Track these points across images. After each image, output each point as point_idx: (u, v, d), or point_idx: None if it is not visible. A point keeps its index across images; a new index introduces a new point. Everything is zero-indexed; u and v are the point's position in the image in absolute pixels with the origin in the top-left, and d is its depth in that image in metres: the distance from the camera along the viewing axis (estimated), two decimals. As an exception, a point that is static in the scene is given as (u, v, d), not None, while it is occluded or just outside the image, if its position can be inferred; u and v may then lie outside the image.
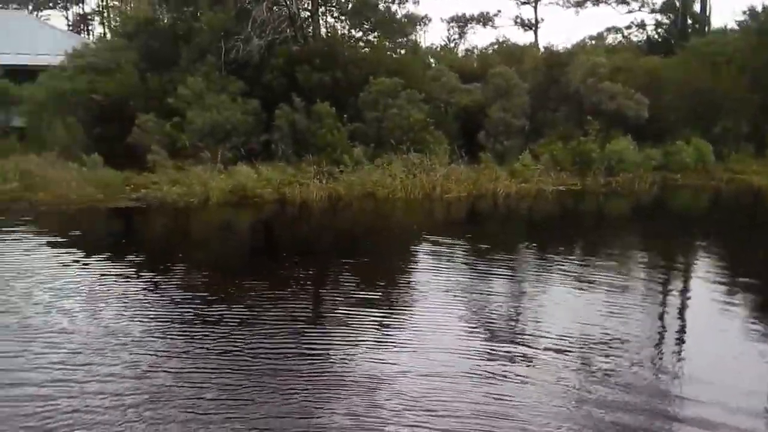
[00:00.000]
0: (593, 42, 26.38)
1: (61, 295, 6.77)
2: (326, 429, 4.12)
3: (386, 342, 5.73)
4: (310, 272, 8.29)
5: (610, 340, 5.69)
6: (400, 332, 5.98)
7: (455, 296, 7.11)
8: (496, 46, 24.96)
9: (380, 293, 7.20)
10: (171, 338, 5.63)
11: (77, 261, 8.34)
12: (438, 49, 30.05)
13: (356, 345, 5.52)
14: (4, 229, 10.14)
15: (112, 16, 45.33)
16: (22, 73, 20.76)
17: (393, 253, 9.81)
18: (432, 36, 76.38)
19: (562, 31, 64.26)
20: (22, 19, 29.97)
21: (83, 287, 7.14)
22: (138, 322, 5.97)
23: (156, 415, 4.21)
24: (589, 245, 10.27)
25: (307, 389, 4.62)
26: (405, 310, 6.71)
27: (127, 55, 16.38)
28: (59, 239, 9.78)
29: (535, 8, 31.79)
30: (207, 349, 5.34)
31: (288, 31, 16.54)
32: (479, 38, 76.07)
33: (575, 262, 8.87)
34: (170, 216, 11.82)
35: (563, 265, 8.49)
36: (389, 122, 15.05)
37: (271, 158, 14.50)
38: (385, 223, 12.16)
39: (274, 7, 16.30)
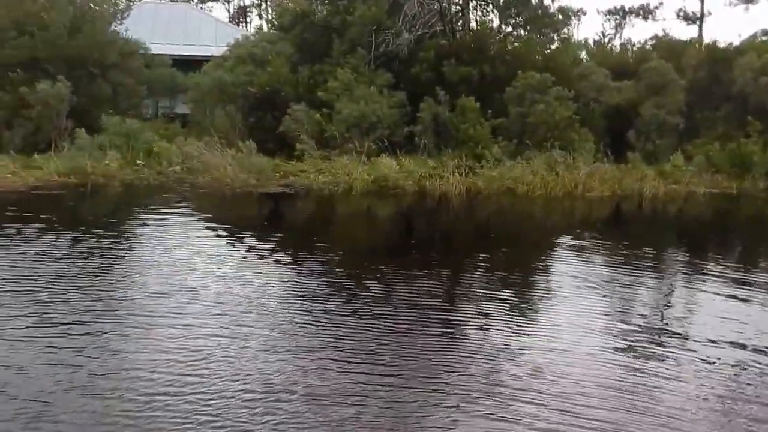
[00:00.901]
0: (766, 38, 24.40)
1: (216, 264, 7.58)
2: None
3: (519, 335, 5.86)
4: (447, 260, 8.60)
5: None
6: (536, 328, 6.09)
7: (596, 293, 7.11)
8: (654, 41, 23.80)
9: (516, 286, 7.36)
10: (311, 309, 6.13)
11: (230, 236, 9.22)
12: (591, 43, 29.18)
13: (489, 338, 5.68)
14: (168, 206, 11.28)
15: (269, 8, 48.23)
16: (188, 63, 22.73)
17: (531, 247, 9.93)
18: (586, 29, 73.92)
19: (730, 25, 59.74)
20: (188, 11, 32.48)
21: (234, 259, 7.97)
22: (280, 291, 6.71)
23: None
24: (745, 251, 9.81)
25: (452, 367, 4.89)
26: (541, 305, 6.84)
27: (282, 47, 17.45)
28: (215, 218, 10.82)
29: (702, 0, 30.02)
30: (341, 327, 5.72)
31: (438, 25, 16.85)
32: (637, 32, 72.37)
33: (730, 266, 8.52)
34: (315, 202, 12.58)
35: (715, 269, 8.19)
36: (534, 118, 15.00)
37: (414, 151, 14.95)
38: (523, 218, 12.27)
39: (425, 2, 16.66)
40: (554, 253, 9.46)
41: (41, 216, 10.03)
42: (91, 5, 17.53)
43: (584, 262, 8.70)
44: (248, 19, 51.11)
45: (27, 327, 5.50)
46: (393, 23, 16.40)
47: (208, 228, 9.88)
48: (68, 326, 5.53)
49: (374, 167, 13.70)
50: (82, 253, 7.95)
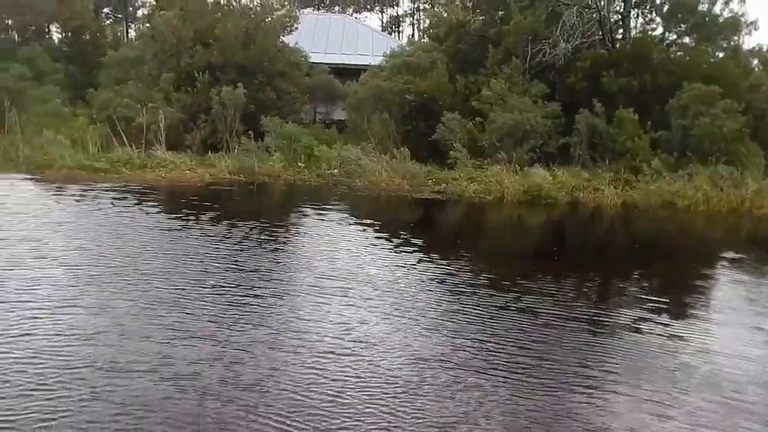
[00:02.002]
0: None
1: (373, 254, 8.33)
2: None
3: (666, 336, 6.01)
4: (599, 267, 8.79)
5: None
6: (686, 331, 6.21)
7: (754, 306, 7.05)
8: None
9: (669, 294, 7.43)
10: (461, 300, 6.65)
11: (386, 233, 9.92)
12: (765, 51, 27.37)
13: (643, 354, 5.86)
14: (325, 206, 12.21)
15: (421, 18, 49.54)
16: (345, 72, 24.09)
17: (688, 260, 9.82)
18: (759, 36, 68.92)
19: None
20: (347, 22, 34.16)
21: (391, 252, 8.66)
22: (431, 282, 7.30)
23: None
24: None
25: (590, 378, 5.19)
26: (694, 312, 6.89)
27: (438, 56, 18.12)
28: (372, 217, 11.62)
29: None
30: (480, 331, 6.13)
31: (596, 34, 16.80)
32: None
33: None
34: (466, 209, 13.06)
35: None
36: (698, 131, 14.56)
37: (567, 162, 15.02)
38: (682, 232, 12.04)
39: (584, 11, 16.68)
40: (713, 266, 9.36)
41: (216, 207, 11.40)
42: (263, 19, 19.10)
43: (745, 275, 8.58)
44: (400, 29, 52.82)
45: (207, 296, 6.47)
46: (550, 33, 16.56)
47: (366, 225, 10.68)
48: (244, 298, 6.53)
49: (527, 177, 13.95)
50: (253, 239, 9.05)
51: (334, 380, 4.80)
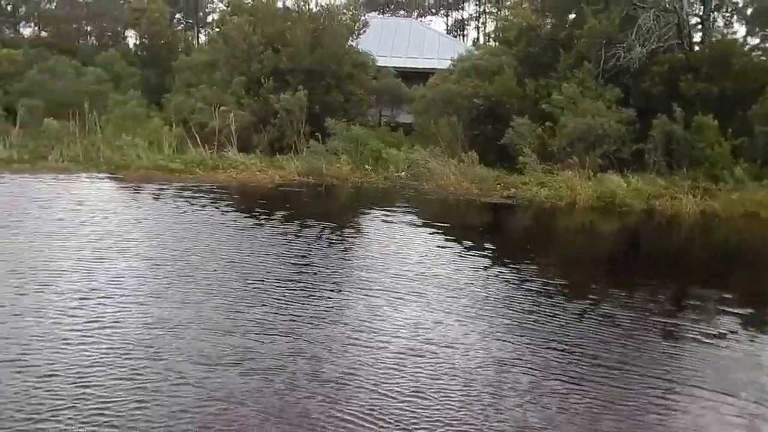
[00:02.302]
0: None
1: (433, 265, 8.22)
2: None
3: (755, 364, 5.80)
4: (678, 282, 8.51)
5: None
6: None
7: None
8: None
9: (755, 315, 7.16)
10: (535, 302, 6.62)
11: (450, 240, 9.85)
12: None
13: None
14: (393, 208, 12.28)
15: (487, 21, 49.35)
16: (411, 75, 24.20)
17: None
18: None
19: None
20: (413, 25, 34.27)
21: (453, 261, 8.55)
22: (502, 286, 7.31)
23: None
24: None
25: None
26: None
27: (507, 60, 18.01)
28: (437, 222, 11.60)
29: None
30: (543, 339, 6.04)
31: (673, 38, 16.39)
32: None
33: None
34: (537, 214, 12.94)
35: None
36: (785, 138, 14.03)
37: (641, 169, 14.68)
38: (767, 245, 11.57)
39: (662, 15, 16.30)
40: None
41: (287, 207, 11.71)
42: (332, 23, 19.39)
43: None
44: (465, 32, 52.68)
45: (284, 293, 6.66)
46: (624, 37, 16.23)
47: (435, 228, 10.71)
48: (320, 296, 6.72)
49: (599, 183, 13.71)
50: (325, 239, 9.28)
51: (411, 379, 4.85)
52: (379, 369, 4.99)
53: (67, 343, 5.13)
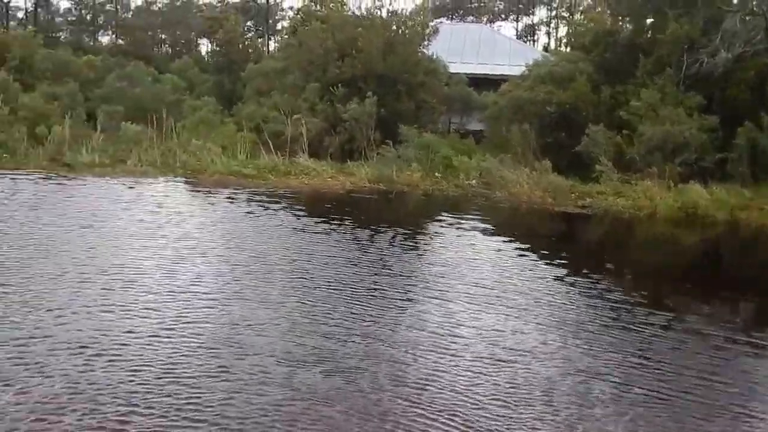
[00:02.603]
0: None
1: (509, 274, 8.18)
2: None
3: None
4: (755, 299, 8.13)
5: None
6: None
7: None
8: None
9: None
10: (613, 316, 6.49)
11: (525, 249, 9.75)
12: None
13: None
14: (465, 216, 12.28)
15: (560, 26, 48.77)
16: (481, 82, 24.15)
17: None
18: None
19: None
20: (481, 31, 34.17)
21: (529, 270, 8.48)
22: (577, 297, 7.19)
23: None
24: None
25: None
26: None
27: (583, 66, 17.79)
28: (511, 230, 11.59)
29: None
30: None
31: (761, 42, 15.86)
32: None
33: None
34: (614, 225, 12.72)
35: None
36: None
37: (725, 178, 14.25)
38: None
39: (748, 17, 15.81)
40: None
41: (359, 213, 11.92)
42: (403, 29, 19.59)
43: None
44: (535, 37, 52.18)
45: (363, 297, 6.80)
46: (708, 41, 15.82)
47: (509, 236, 10.68)
48: (399, 301, 6.87)
49: (680, 193, 13.37)
50: (398, 245, 9.41)
51: (492, 386, 4.89)
52: (459, 374, 5.04)
53: (156, 338, 5.38)
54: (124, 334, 5.47)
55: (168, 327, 5.64)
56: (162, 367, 4.85)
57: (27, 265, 7.33)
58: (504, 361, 5.37)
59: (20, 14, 44.29)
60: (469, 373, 5.08)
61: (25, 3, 44.45)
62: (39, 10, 43.92)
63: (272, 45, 41.19)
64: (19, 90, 18.63)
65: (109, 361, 4.92)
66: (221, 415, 4.19)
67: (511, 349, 5.64)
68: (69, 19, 46.32)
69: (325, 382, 4.73)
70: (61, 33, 43.64)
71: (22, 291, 6.42)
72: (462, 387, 4.83)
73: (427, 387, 4.79)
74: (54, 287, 6.60)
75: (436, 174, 16.12)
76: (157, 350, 5.16)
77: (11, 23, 39.44)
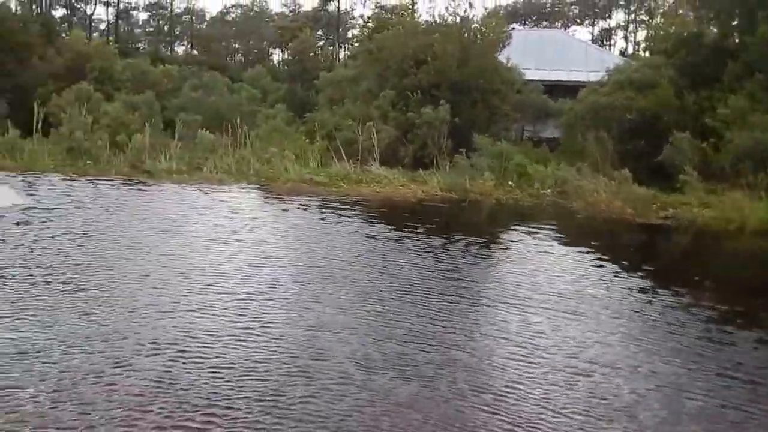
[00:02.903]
0: None
1: (588, 284, 8.06)
2: None
3: None
4: None
5: None
6: None
7: None
8: None
9: None
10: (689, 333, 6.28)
11: (605, 260, 9.50)
12: None
13: None
14: (541, 226, 12.13)
15: (638, 30, 47.69)
16: (555, 89, 23.88)
17: None
18: None
19: None
20: (556, 36, 33.78)
21: (609, 281, 8.29)
22: (660, 319, 6.89)
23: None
24: None
25: None
26: None
27: (665, 71, 17.35)
28: (589, 241, 11.31)
29: None
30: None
31: None
32: None
33: None
34: (699, 238, 12.30)
35: None
36: None
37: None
38: None
39: None
40: None
41: (431, 222, 11.94)
42: (479, 36, 19.57)
43: None
44: (612, 42, 51.20)
45: (437, 303, 6.86)
46: (802, 44, 15.19)
47: (587, 247, 10.46)
48: (474, 309, 6.88)
49: (772, 204, 12.86)
50: (472, 254, 9.40)
51: (575, 397, 4.84)
52: (540, 384, 5.01)
53: (237, 339, 5.56)
54: (205, 335, 5.66)
55: (248, 328, 5.82)
56: (243, 367, 5.01)
57: (112, 266, 7.69)
58: (585, 373, 5.29)
59: (102, 26, 46.49)
60: (551, 384, 5.03)
61: (107, 15, 46.62)
62: (120, 21, 45.99)
63: (342, 53, 41.83)
64: (102, 99, 19.55)
65: (192, 359, 5.12)
66: (303, 416, 4.30)
67: (592, 361, 5.56)
68: (147, 29, 48.33)
69: (404, 387, 4.79)
70: (140, 44, 45.57)
71: (108, 291, 6.74)
72: (543, 398, 4.79)
73: (507, 396, 4.77)
74: (138, 288, 6.90)
75: (510, 183, 16.01)
76: (237, 351, 5.32)
77: (94, 35, 41.42)
